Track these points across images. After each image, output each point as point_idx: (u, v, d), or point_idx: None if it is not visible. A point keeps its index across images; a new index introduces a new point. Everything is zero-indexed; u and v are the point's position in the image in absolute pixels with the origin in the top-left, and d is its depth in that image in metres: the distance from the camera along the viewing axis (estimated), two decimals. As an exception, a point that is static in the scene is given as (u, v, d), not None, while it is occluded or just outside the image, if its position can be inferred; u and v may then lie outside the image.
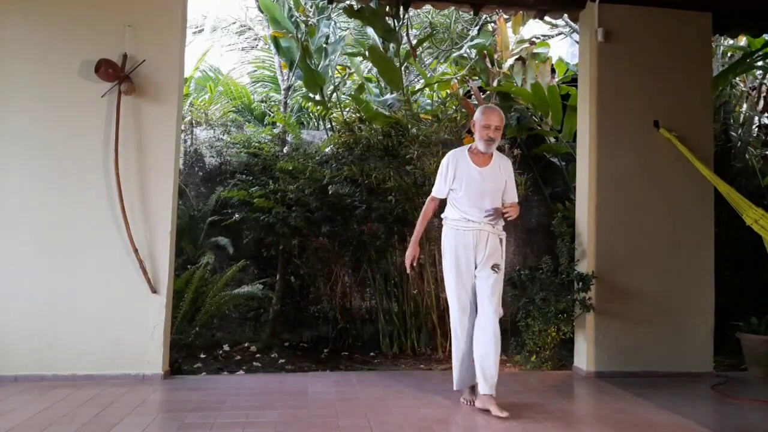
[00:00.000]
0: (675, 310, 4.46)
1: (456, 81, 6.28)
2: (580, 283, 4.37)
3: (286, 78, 6.45)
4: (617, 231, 4.47)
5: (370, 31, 6.01)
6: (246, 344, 5.48)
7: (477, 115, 3.48)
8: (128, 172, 3.99)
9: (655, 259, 4.48)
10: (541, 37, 6.71)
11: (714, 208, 4.61)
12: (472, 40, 6.57)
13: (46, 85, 4.00)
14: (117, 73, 3.96)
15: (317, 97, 6.11)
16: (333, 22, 6.39)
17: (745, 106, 6.51)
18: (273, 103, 7.74)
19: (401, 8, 5.22)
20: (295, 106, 7.34)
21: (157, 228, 4.03)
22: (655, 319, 4.43)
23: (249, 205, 5.66)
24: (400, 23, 5.65)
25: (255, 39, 8.44)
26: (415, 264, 3.61)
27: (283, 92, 6.52)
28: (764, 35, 5.59)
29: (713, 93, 5.16)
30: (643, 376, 4.30)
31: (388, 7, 5.29)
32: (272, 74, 7.91)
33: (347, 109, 6.41)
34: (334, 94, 6.40)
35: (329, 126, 6.50)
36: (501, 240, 3.47)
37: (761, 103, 6.41)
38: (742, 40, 6.29)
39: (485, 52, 6.21)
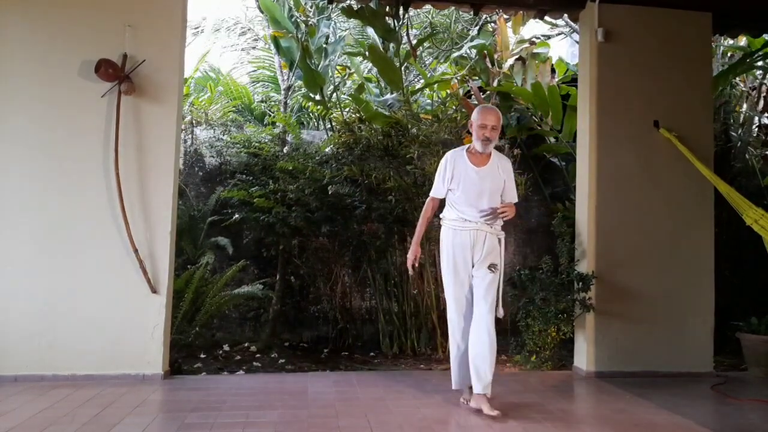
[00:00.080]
0: (675, 310, 4.45)
1: (456, 81, 6.29)
2: (580, 283, 4.38)
3: (286, 78, 6.45)
4: (617, 231, 4.47)
5: (370, 31, 6.00)
6: (246, 344, 5.48)
7: (474, 115, 3.49)
8: (128, 172, 3.99)
9: (655, 259, 4.48)
10: (541, 37, 6.71)
11: (714, 208, 4.61)
12: (472, 40, 6.57)
13: (46, 85, 4.00)
14: (117, 73, 3.96)
15: (317, 97, 6.11)
16: (333, 22, 6.39)
17: (745, 106, 6.51)
18: (273, 103, 7.74)
19: (401, 8, 5.22)
20: (295, 106, 7.34)
21: (157, 228, 4.03)
22: (655, 319, 4.43)
23: (249, 205, 5.66)
24: (400, 23, 5.65)
25: (255, 39, 8.44)
26: (416, 264, 3.61)
27: (283, 92, 6.52)
28: (764, 35, 5.59)
29: (713, 93, 5.16)
30: (643, 376, 4.30)
31: (388, 7, 5.29)
32: (272, 74, 7.91)
33: (347, 109, 6.42)
34: (334, 94, 6.40)
35: (329, 126, 6.50)
36: (500, 240, 3.47)
37: (761, 103, 6.41)
38: (742, 40, 6.29)
39: (485, 52, 6.21)
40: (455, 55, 6.58)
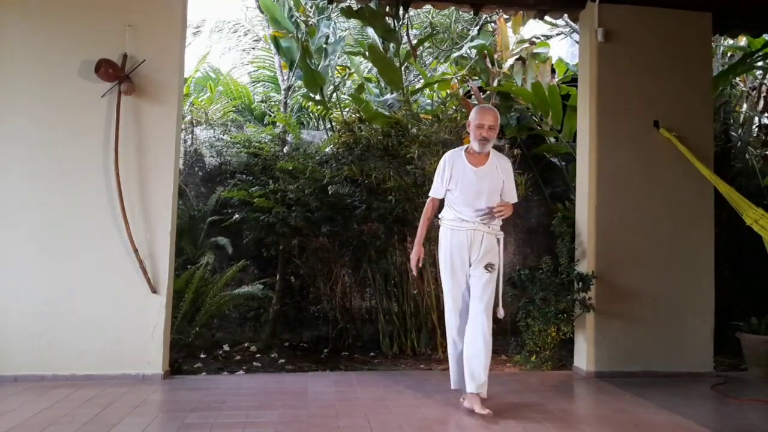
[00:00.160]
0: (675, 310, 4.46)
1: (456, 81, 6.29)
2: (580, 283, 4.38)
3: (286, 78, 6.45)
4: (617, 231, 4.47)
5: (370, 31, 6.01)
6: (246, 344, 5.48)
7: (471, 115, 3.49)
8: (128, 172, 3.99)
9: (654, 259, 4.48)
10: (541, 37, 6.71)
11: (714, 208, 4.61)
12: (472, 40, 6.57)
13: (46, 85, 4.00)
14: (117, 73, 3.96)
15: (317, 97, 6.11)
16: (333, 22, 6.39)
17: (745, 106, 6.50)
18: (273, 103, 7.74)
19: (401, 8, 5.22)
20: (295, 106, 7.34)
21: (157, 228, 4.03)
22: (655, 319, 4.43)
23: (249, 205, 5.66)
24: (400, 23, 5.65)
25: (256, 40, 8.43)
26: (420, 265, 3.61)
27: (283, 92, 6.52)
28: (764, 35, 5.59)
29: (713, 93, 5.16)
30: (643, 376, 4.30)
31: (388, 7, 5.29)
32: (272, 74, 7.91)
33: (347, 109, 6.42)
34: (334, 94, 6.40)
35: (329, 126, 6.50)
36: (498, 240, 3.47)
37: (761, 103, 6.41)
38: (742, 40, 6.29)
39: (485, 52, 6.22)
40: (455, 55, 6.59)
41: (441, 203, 3.61)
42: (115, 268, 3.94)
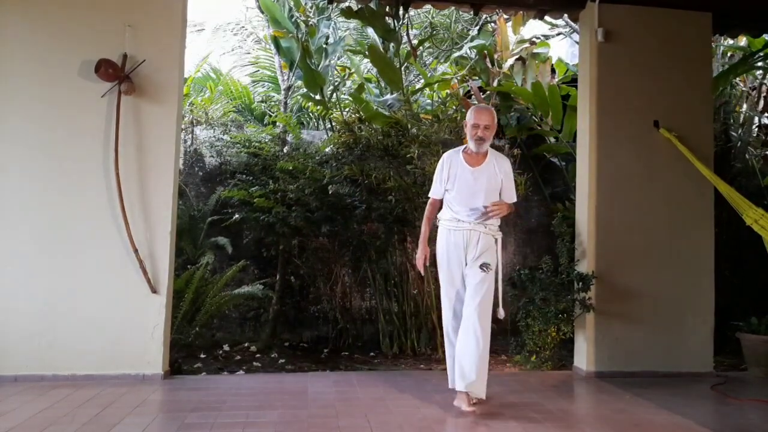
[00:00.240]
0: (675, 310, 4.45)
1: (456, 81, 6.29)
2: (580, 283, 4.37)
3: (286, 78, 6.45)
4: (617, 231, 4.47)
5: (370, 31, 6.01)
6: (246, 344, 5.48)
7: (467, 115, 3.51)
8: (128, 172, 3.99)
9: (654, 259, 4.48)
10: (541, 37, 6.70)
11: (714, 208, 4.61)
12: (472, 40, 6.57)
13: (46, 85, 4.00)
14: (117, 73, 3.96)
15: (317, 97, 6.11)
16: (333, 23, 6.39)
17: (745, 106, 6.50)
18: (273, 103, 7.74)
19: (401, 8, 5.22)
20: (295, 106, 7.34)
21: (157, 228, 4.03)
22: (655, 319, 4.43)
23: (249, 205, 5.66)
24: (400, 23, 5.65)
25: (256, 41, 8.44)
26: (428, 263, 3.59)
27: (283, 92, 6.52)
28: (764, 35, 5.59)
29: (713, 93, 5.16)
30: (643, 376, 4.30)
31: (388, 7, 5.29)
32: (272, 74, 7.91)
33: (347, 109, 6.41)
34: (334, 94, 6.40)
35: (329, 126, 6.50)
36: (496, 240, 3.47)
37: (761, 103, 6.41)
38: (742, 40, 6.29)
39: (485, 52, 6.21)
40: (455, 55, 6.58)
41: (441, 203, 3.61)
42: (115, 268, 3.94)
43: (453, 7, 5.60)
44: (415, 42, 6.15)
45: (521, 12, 5.35)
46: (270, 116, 7.26)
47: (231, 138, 6.38)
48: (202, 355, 5.12)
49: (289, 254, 5.84)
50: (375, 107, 5.67)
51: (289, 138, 6.36)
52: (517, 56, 6.19)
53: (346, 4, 5.34)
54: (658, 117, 4.55)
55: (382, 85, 6.40)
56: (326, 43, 6.12)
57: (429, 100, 6.59)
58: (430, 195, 3.62)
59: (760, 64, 6.03)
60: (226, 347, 5.39)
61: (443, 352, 5.21)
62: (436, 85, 6.40)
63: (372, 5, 5.15)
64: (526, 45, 6.23)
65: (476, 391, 3.30)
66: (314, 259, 5.84)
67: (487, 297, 3.34)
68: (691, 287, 4.50)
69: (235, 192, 5.68)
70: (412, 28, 6.88)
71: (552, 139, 6.08)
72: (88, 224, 3.95)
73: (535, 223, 6.33)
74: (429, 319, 5.50)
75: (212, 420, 3.08)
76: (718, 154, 5.50)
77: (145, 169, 4.05)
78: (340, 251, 5.78)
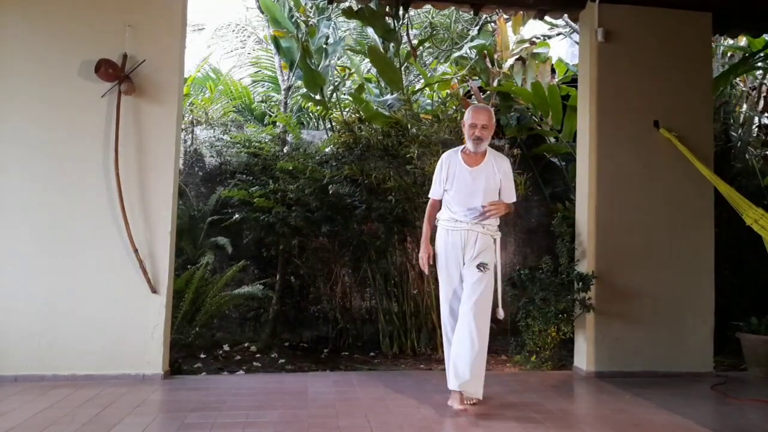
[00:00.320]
0: (675, 310, 4.45)
1: (456, 81, 6.29)
2: (580, 283, 4.37)
3: (286, 78, 6.45)
4: (617, 231, 4.47)
5: (370, 31, 6.01)
6: (246, 344, 5.48)
7: (465, 114, 3.51)
8: (128, 172, 3.99)
9: (654, 259, 4.48)
10: (541, 37, 6.71)
11: (714, 208, 4.61)
12: (472, 40, 6.57)
13: (46, 85, 4.00)
14: (117, 73, 3.96)
15: (317, 97, 6.12)
16: (333, 23, 6.39)
17: (745, 106, 6.50)
18: (273, 103, 7.74)
19: (401, 8, 5.22)
20: (295, 106, 7.34)
21: (157, 228, 4.03)
22: (655, 319, 4.43)
23: (249, 205, 5.66)
24: (400, 23, 5.65)
25: (257, 42, 8.44)
26: (431, 262, 3.58)
27: (283, 92, 6.52)
28: (764, 35, 5.59)
29: (713, 93, 5.16)
30: (643, 376, 4.30)
31: (388, 7, 5.29)
32: (272, 74, 7.92)
33: (347, 109, 6.41)
34: (334, 94, 6.40)
35: (329, 126, 6.50)
36: (495, 240, 3.47)
37: (761, 103, 6.41)
38: (742, 40, 6.29)
39: (485, 52, 6.21)
40: (455, 55, 6.59)
41: (441, 204, 3.61)
42: (115, 268, 3.94)
43: (453, 7, 5.60)
44: (415, 42, 6.15)
45: (521, 12, 5.35)
46: (270, 116, 7.26)
47: (231, 138, 6.38)
48: (202, 355, 5.12)
49: (289, 254, 5.84)
50: (375, 107, 5.67)
51: (289, 138, 6.36)
52: (517, 56, 6.19)
53: (346, 4, 5.34)
54: (658, 117, 4.55)
55: (382, 85, 6.40)
56: (326, 43, 6.12)
57: (429, 100, 6.59)
58: (429, 195, 3.62)
59: (760, 64, 6.03)
60: (226, 347, 5.39)
61: (443, 352, 5.25)
62: (436, 85, 6.40)
63: (372, 5, 5.15)
64: (526, 45, 6.23)
65: (471, 391, 3.30)
66: (314, 259, 5.84)
67: (484, 296, 3.33)
68: (691, 287, 4.50)
69: (235, 192, 5.68)
70: (412, 28, 6.88)
71: (552, 139, 6.08)
72: (88, 224, 3.95)
73: (535, 223, 6.33)
74: (429, 319, 5.50)
75: (212, 420, 3.08)
76: (718, 154, 5.50)
77: (145, 169, 4.05)
78: (340, 251, 5.78)
